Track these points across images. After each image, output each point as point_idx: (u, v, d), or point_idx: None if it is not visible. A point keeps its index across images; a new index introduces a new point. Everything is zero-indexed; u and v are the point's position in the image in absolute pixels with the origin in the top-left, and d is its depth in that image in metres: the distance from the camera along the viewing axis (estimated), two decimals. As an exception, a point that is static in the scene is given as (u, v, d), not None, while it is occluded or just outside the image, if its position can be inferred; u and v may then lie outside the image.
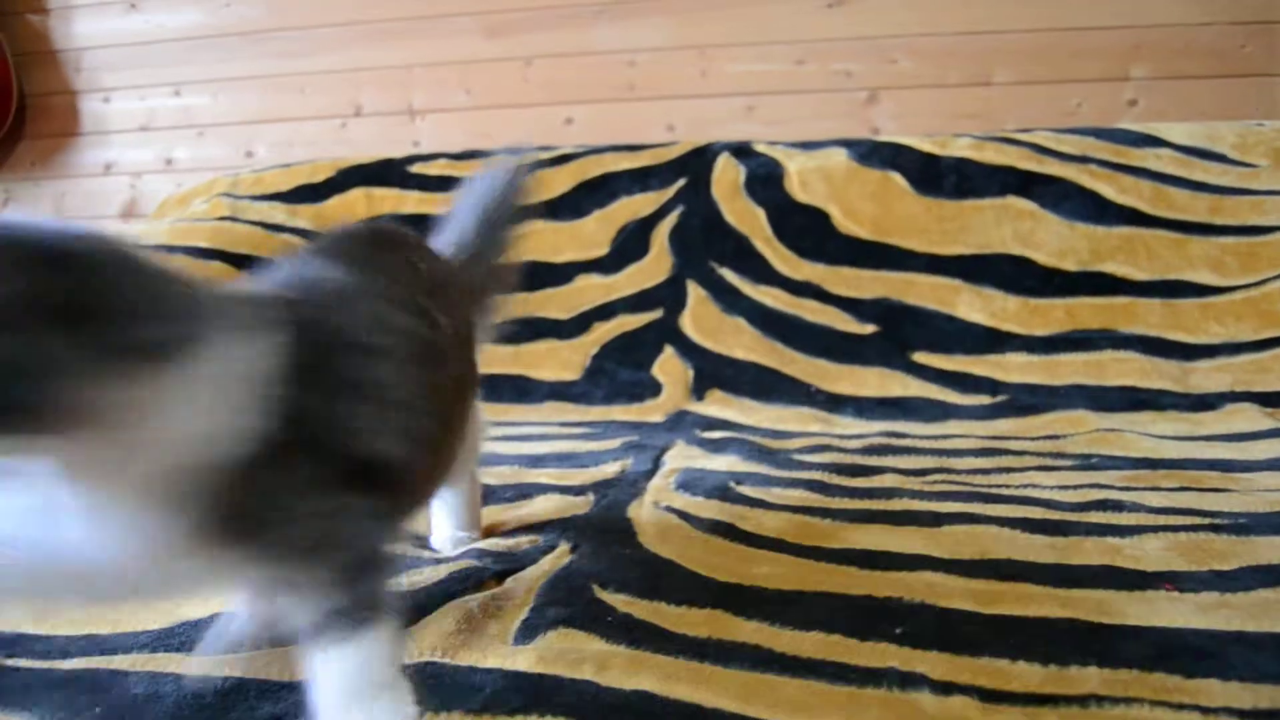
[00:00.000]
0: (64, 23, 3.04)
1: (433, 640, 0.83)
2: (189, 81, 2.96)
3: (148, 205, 2.99)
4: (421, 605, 0.92)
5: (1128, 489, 1.24)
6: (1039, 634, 0.82)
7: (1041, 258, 2.01)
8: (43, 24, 3.05)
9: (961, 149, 2.17)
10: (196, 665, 0.82)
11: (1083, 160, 2.10)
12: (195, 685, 0.78)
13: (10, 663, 0.85)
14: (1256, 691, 0.71)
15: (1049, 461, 1.43)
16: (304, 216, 2.45)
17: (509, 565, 1.04)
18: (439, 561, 1.06)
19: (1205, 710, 0.69)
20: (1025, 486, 1.28)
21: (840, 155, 2.22)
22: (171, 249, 2.31)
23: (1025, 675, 0.75)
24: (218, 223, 2.38)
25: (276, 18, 2.86)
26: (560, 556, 1.07)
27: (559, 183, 2.34)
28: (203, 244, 2.30)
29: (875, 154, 2.21)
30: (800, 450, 1.56)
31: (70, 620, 0.94)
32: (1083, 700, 0.71)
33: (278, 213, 2.45)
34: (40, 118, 3.09)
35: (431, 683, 0.76)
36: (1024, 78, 2.44)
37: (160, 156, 3.02)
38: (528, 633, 0.86)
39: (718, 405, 1.91)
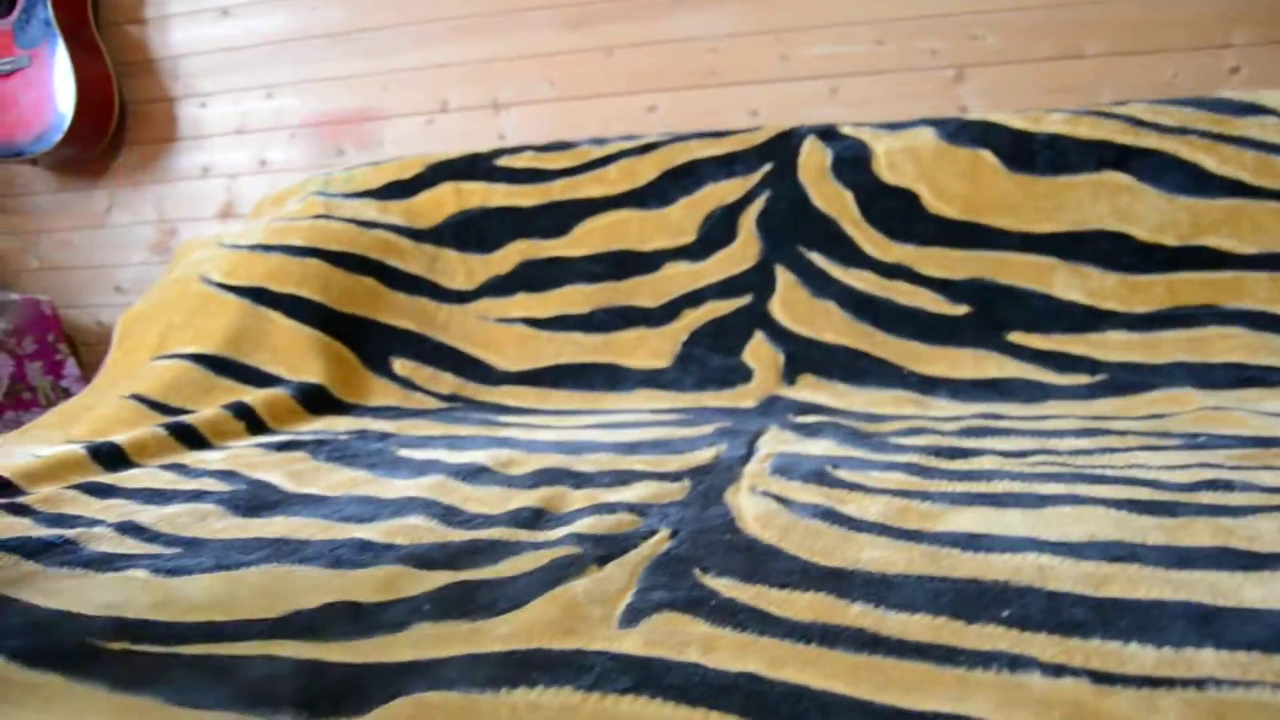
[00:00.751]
0: (160, 32, 3.13)
1: (540, 626, 0.84)
2: (280, 84, 3.03)
3: (244, 206, 3.08)
4: (524, 593, 0.94)
5: (1239, 468, 1.21)
6: (1152, 616, 0.81)
7: (1140, 233, 1.96)
8: (140, 33, 3.15)
9: (1054, 124, 2.12)
10: (311, 650, 0.85)
11: (1181, 132, 2.04)
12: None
13: (137, 648, 0.88)
14: (1385, 674, 0.69)
15: (1154, 441, 1.40)
16: (394, 212, 2.50)
17: (609, 550, 1.05)
18: (538, 547, 1.08)
19: (1332, 693, 0.67)
20: (1130, 467, 1.26)
21: (928, 134, 2.19)
22: (269, 248, 2.38)
23: (1139, 658, 0.74)
24: (313, 221, 2.44)
25: (360, 18, 2.91)
26: (660, 542, 1.08)
27: (644, 171, 2.35)
28: (299, 242, 2.36)
29: (964, 132, 2.17)
30: (896, 433, 1.54)
31: (187, 608, 0.98)
32: (1200, 683, 0.69)
33: (370, 209, 2.50)
34: (140, 124, 3.20)
35: (541, 663, 0.77)
36: (1117, 49, 2.38)
37: (255, 158, 3.10)
38: (632, 616, 0.87)
39: (810, 390, 1.90)
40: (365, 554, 1.10)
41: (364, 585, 1.01)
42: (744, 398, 1.91)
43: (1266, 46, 2.29)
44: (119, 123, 3.15)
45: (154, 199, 3.23)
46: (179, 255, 2.61)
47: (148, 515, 1.33)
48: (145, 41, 3.15)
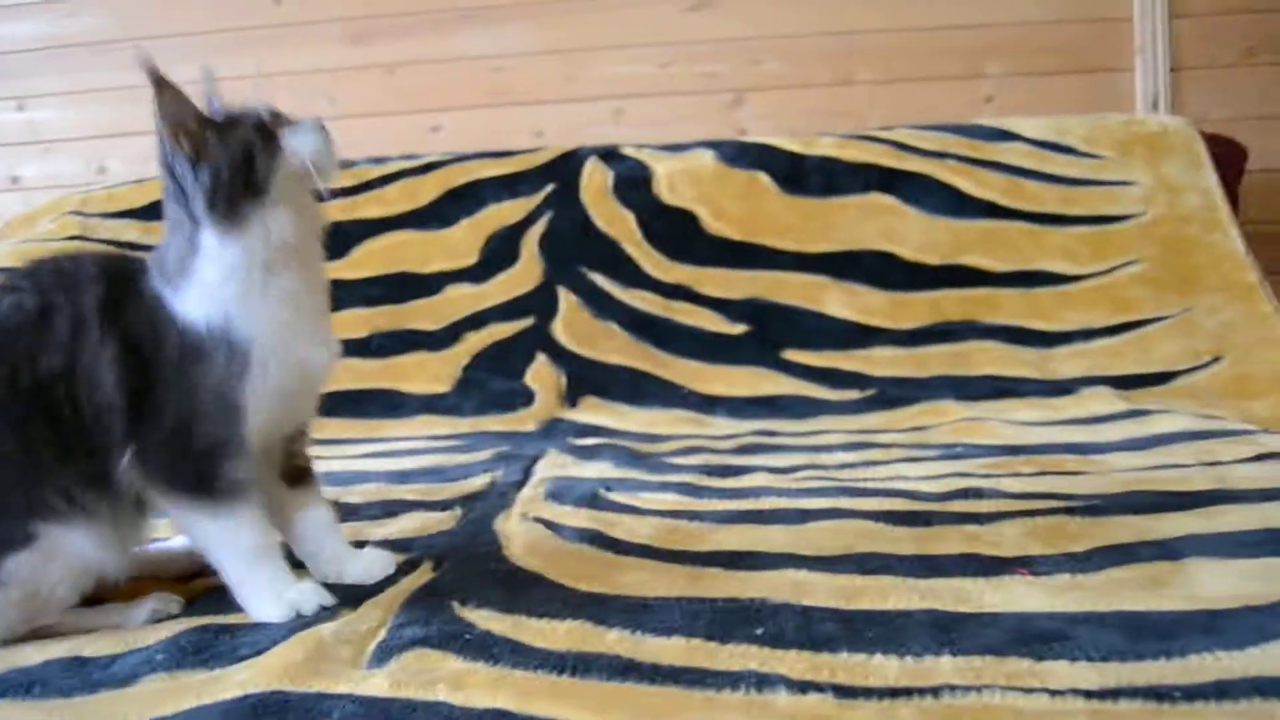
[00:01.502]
0: (-101, 35, 2.87)
1: (279, 669, 0.79)
2: (33, 95, 2.83)
3: (-8, 226, 2.85)
4: (268, 637, 0.88)
5: (989, 476, 1.27)
6: (898, 627, 0.83)
7: (905, 252, 2.05)
8: (-128, 37, 2.88)
9: (825, 148, 2.20)
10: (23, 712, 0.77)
11: (941, 156, 2.15)
12: None
13: None
14: (1103, 670, 0.72)
15: (915, 453, 1.45)
16: (159, 233, 2.36)
17: (366, 591, 1.00)
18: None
19: (1054, 693, 0.69)
20: (891, 479, 1.30)
21: (707, 157, 2.23)
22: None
23: (882, 669, 0.75)
24: (66, 243, 2.28)
25: (127, 27, 2.75)
26: (421, 575, 1.04)
27: (425, 191, 2.30)
28: (50, 265, 2.19)
29: (742, 155, 2.22)
30: (672, 453, 1.55)
31: None
32: (936, 691, 0.71)
33: (131, 230, 2.36)
34: None
35: (274, 711, 0.72)
36: (885, 76, 2.49)
37: (4, 174, 2.87)
38: (383, 655, 0.83)
39: (591, 411, 1.90)
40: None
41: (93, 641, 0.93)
42: (525, 421, 1.88)
43: (1017, 77, 2.44)
44: None
45: (-111, 217, 2.95)
46: (-89, 279, 2.39)
47: None
48: (-122, 45, 2.88)
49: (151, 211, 2.38)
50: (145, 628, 0.95)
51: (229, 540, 0.95)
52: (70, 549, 0.93)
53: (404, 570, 1.06)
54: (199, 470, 0.93)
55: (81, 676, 0.84)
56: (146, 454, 0.92)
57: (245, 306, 0.93)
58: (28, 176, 2.86)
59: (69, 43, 2.78)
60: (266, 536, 0.97)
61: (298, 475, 1.06)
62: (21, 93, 2.83)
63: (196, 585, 1.06)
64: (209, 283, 0.93)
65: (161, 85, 0.90)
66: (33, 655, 0.90)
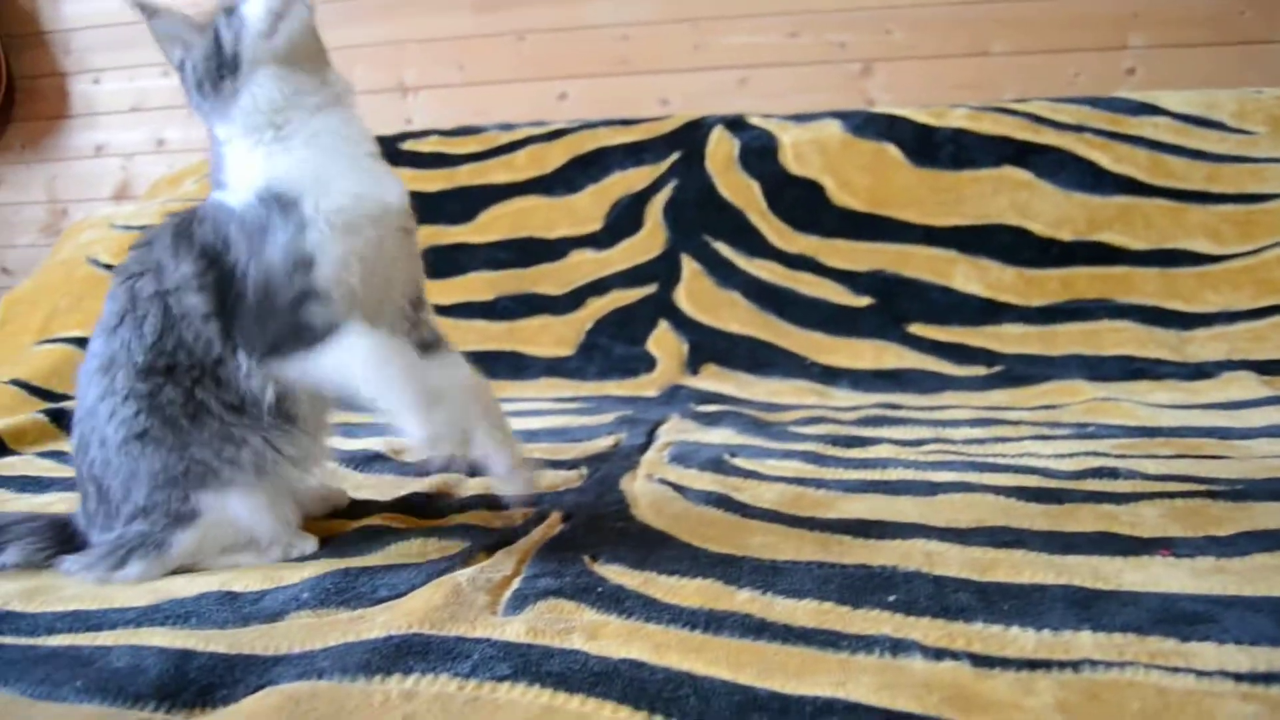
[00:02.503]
0: (52, 4, 3.01)
1: (420, 613, 0.82)
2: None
3: (139, 187, 2.97)
4: (406, 581, 0.92)
5: (1124, 457, 1.23)
6: (1034, 600, 0.82)
7: (1038, 228, 2.00)
8: (31, 5, 3.02)
9: (957, 119, 2.15)
10: (182, 639, 0.81)
11: (1079, 129, 2.08)
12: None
13: (-2, 639, 0.84)
14: (1253, 654, 0.70)
15: (1045, 431, 1.42)
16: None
17: (499, 539, 1.03)
18: (426, 536, 1.06)
19: (1200, 673, 0.68)
20: (1021, 455, 1.28)
21: (834, 127, 2.21)
22: (163, 229, 2.30)
23: (1019, 641, 0.74)
24: (209, 202, 2.37)
25: (267, -4, 2.83)
26: (551, 527, 1.07)
27: (552, 158, 2.33)
28: (194, 224, 2.28)
29: (870, 126, 2.19)
30: (795, 422, 1.55)
31: (59, 598, 0.94)
32: (1076, 665, 0.70)
33: (269, 191, 2.44)
34: (30, 100, 3.07)
35: (417, 651, 0.75)
36: (1021, 48, 2.42)
37: (152, 137, 2.99)
38: (518, 603, 0.85)
39: (712, 379, 1.90)
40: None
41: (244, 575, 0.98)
42: (647, 386, 1.90)
43: (1161, 49, 2.35)
44: (7, 98, 3.02)
45: (44, 178, 3.10)
46: (66, 236, 2.52)
47: (24, 504, 1.28)
48: (36, 13, 3.02)
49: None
50: (289, 567, 1.00)
51: (363, 369, 0.94)
52: (230, 517, 1.00)
53: (534, 522, 1.09)
54: (292, 323, 0.94)
55: (233, 609, 0.89)
56: (247, 338, 0.96)
57: (276, 167, 0.96)
58: (172, 140, 2.98)
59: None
60: (407, 352, 0.98)
61: (427, 346, 1.06)
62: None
63: (335, 525, 1.10)
64: (238, 165, 0.98)
65: (149, 12, 0.98)
66: (186, 588, 0.95)
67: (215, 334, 0.97)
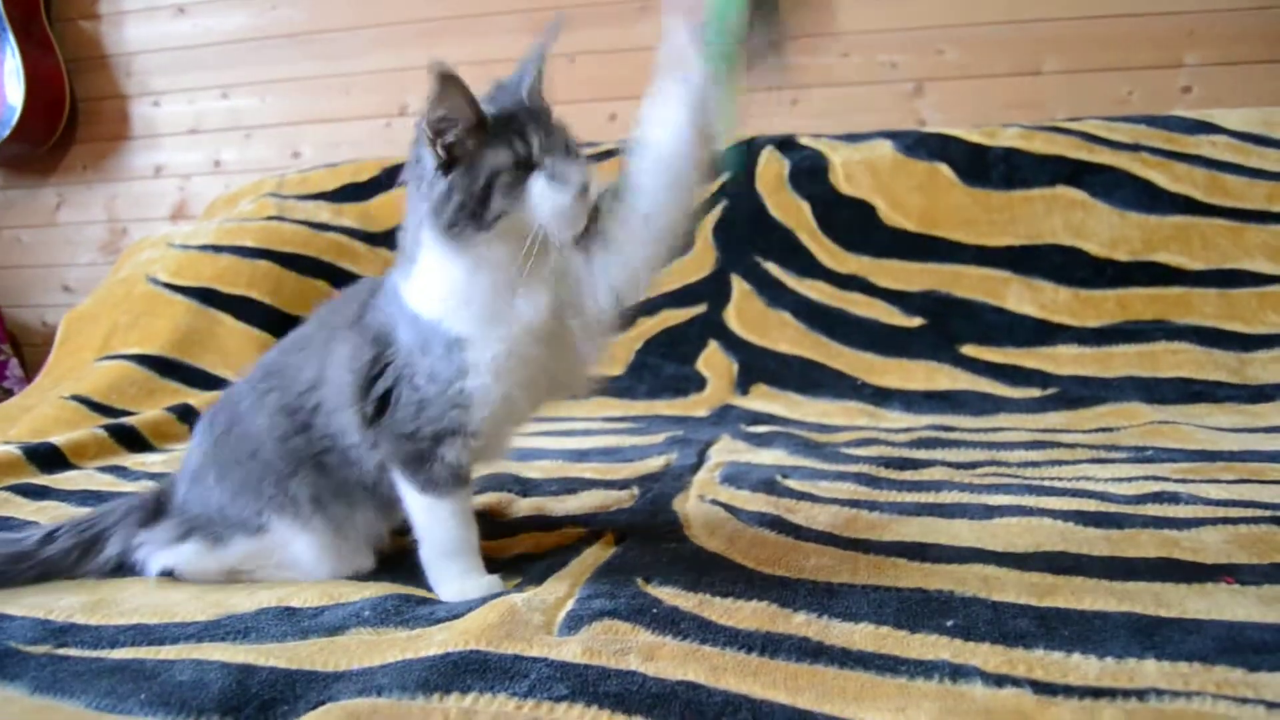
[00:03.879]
0: (115, 28, 3.09)
1: (476, 632, 0.82)
2: (236, 84, 3.00)
3: (197, 206, 3.03)
4: (465, 604, 0.93)
5: (1185, 481, 1.21)
6: (1095, 627, 0.80)
7: (1093, 248, 1.98)
8: (94, 30, 3.10)
9: (1010, 139, 2.14)
10: (243, 654, 0.82)
11: (1134, 148, 2.06)
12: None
13: (61, 652, 0.86)
14: (1324, 686, 0.68)
15: (1102, 454, 1.40)
16: (349, 215, 2.47)
17: (553, 561, 1.04)
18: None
19: (1271, 705, 0.66)
20: (1079, 479, 1.26)
21: (885, 147, 2.20)
22: (219, 249, 2.34)
23: (1081, 668, 0.73)
24: (265, 222, 2.41)
25: (321, 20, 2.88)
26: (604, 548, 1.07)
27: (603, 178, 2.33)
28: (250, 243, 2.33)
29: (921, 145, 2.18)
30: (847, 444, 1.54)
31: (120, 611, 0.95)
32: (1141, 694, 0.69)
33: (323, 212, 2.47)
34: (92, 122, 3.14)
35: (475, 670, 0.75)
36: (1074, 66, 2.40)
37: (209, 158, 3.05)
38: (573, 624, 0.85)
39: (763, 399, 1.90)
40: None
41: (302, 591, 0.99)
42: (697, 406, 1.90)
43: (1218, 67, 2.32)
44: (70, 120, 3.10)
45: (104, 198, 3.18)
46: (127, 255, 2.57)
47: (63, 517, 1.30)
48: (99, 38, 3.10)
49: (341, 195, 2.50)
50: (349, 585, 1.01)
51: (433, 522, 0.98)
52: (291, 550, 1.04)
53: (587, 542, 1.09)
54: (422, 451, 0.96)
55: (292, 624, 0.90)
56: (382, 434, 0.98)
57: (459, 312, 0.93)
58: (228, 160, 3.04)
59: (269, 34, 2.93)
60: (467, 529, 0.99)
61: None
62: (226, 82, 3.01)
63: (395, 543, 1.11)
64: (428, 276, 0.94)
65: (445, 81, 0.88)
66: (245, 603, 0.96)
67: (350, 414, 0.99)
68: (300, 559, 1.04)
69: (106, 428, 1.80)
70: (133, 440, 1.79)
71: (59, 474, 1.60)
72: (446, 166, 0.90)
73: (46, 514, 1.34)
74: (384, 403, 0.97)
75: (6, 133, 2.92)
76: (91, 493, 1.46)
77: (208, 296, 2.23)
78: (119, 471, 1.61)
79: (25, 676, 0.80)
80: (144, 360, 2.09)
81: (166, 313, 2.22)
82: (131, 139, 3.13)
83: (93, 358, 2.15)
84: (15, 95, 2.91)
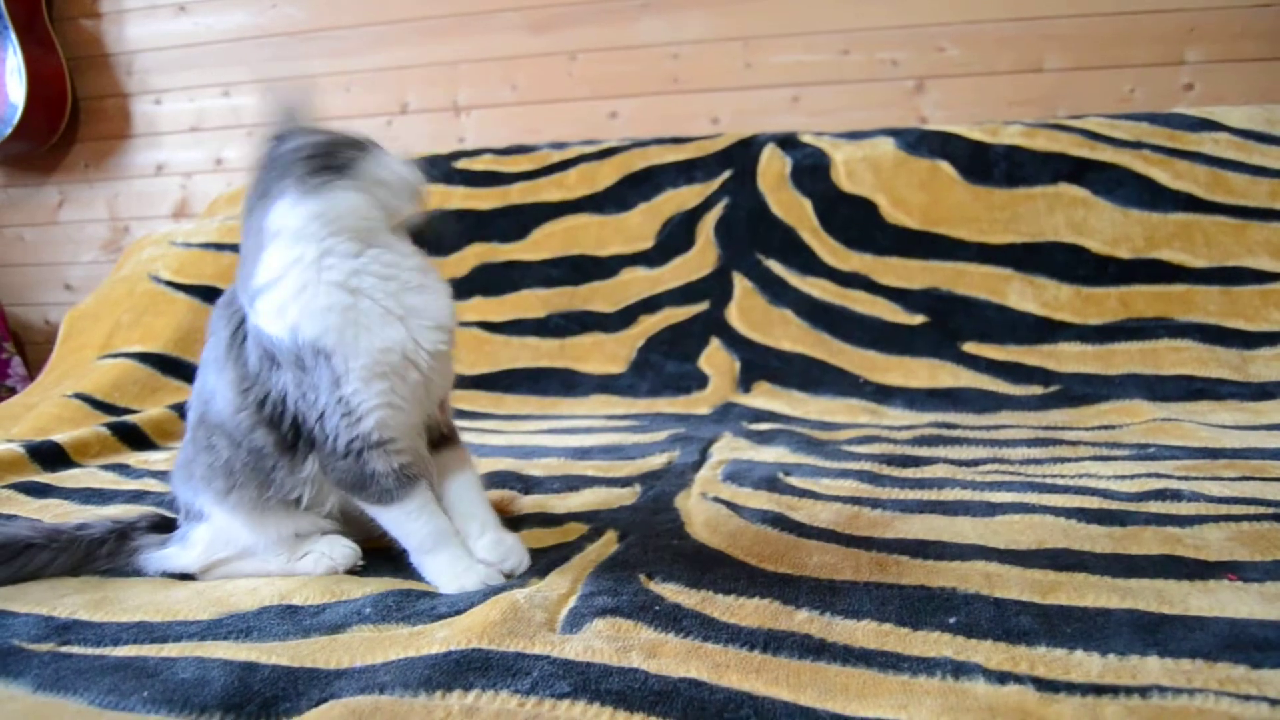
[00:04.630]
0: (116, 27, 3.08)
1: (478, 629, 0.82)
2: (237, 82, 2.99)
3: (198, 204, 3.03)
4: (465, 598, 0.93)
5: (1187, 478, 1.21)
6: (1098, 624, 0.80)
7: (1095, 245, 1.98)
8: (95, 28, 3.09)
9: (1012, 136, 2.14)
10: (245, 652, 0.83)
11: (1136, 146, 2.06)
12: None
13: (64, 649, 0.86)
14: (1328, 683, 0.68)
15: (1105, 451, 1.40)
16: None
17: (555, 557, 1.04)
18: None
19: (1274, 702, 0.67)
20: (1081, 476, 1.26)
21: (887, 144, 2.20)
22: (221, 247, 2.34)
23: (1084, 665, 0.73)
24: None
25: (322, 17, 2.88)
26: (607, 545, 1.07)
27: (604, 176, 2.34)
28: (252, 241, 2.32)
29: (923, 143, 2.18)
30: (849, 441, 1.54)
31: (124, 609, 0.95)
32: (1144, 691, 0.69)
33: (325, 210, 2.47)
34: (93, 120, 3.14)
35: (477, 667, 0.75)
36: (1075, 64, 2.40)
37: (210, 156, 3.05)
38: (575, 621, 0.85)
39: (765, 397, 1.90)
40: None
41: (304, 589, 0.99)
42: (699, 404, 1.90)
43: (1220, 64, 2.32)
44: (71, 118, 3.09)
45: (106, 196, 3.17)
46: (129, 253, 2.57)
47: (88, 515, 1.30)
48: (100, 36, 3.09)
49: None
50: (350, 581, 1.01)
51: (403, 528, 0.99)
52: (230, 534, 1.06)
53: (589, 539, 1.09)
54: (353, 470, 0.96)
55: (294, 622, 0.90)
56: (318, 458, 0.99)
57: (312, 307, 0.93)
58: (230, 158, 3.04)
59: (270, 33, 2.93)
60: (437, 521, 0.99)
61: (440, 442, 1.07)
62: (227, 80, 3.00)
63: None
64: (274, 278, 0.94)
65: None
66: (247, 601, 0.97)
67: (266, 442, 1.00)
68: (239, 539, 1.05)
69: (109, 425, 1.80)
70: (135, 438, 1.80)
71: (62, 472, 1.60)
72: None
73: (49, 512, 1.34)
74: (295, 429, 0.98)
75: (8, 131, 2.92)
76: (94, 490, 1.46)
77: (210, 294, 2.23)
78: (121, 469, 1.61)
79: (28, 674, 0.80)
80: (146, 358, 2.10)
81: (168, 311, 2.22)
82: (133, 137, 3.13)
83: (95, 356, 2.15)
84: (17, 94, 2.90)
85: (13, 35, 2.89)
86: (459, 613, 0.89)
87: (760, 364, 1.99)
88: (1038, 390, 1.80)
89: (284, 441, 0.99)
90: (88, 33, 3.10)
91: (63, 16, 3.08)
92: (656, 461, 1.45)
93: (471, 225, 2.32)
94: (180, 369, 2.10)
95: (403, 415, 0.98)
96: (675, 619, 0.85)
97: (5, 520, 1.27)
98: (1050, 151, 2.09)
